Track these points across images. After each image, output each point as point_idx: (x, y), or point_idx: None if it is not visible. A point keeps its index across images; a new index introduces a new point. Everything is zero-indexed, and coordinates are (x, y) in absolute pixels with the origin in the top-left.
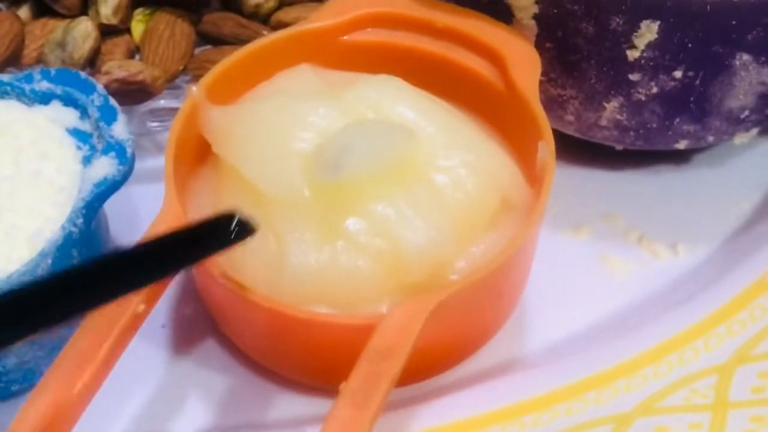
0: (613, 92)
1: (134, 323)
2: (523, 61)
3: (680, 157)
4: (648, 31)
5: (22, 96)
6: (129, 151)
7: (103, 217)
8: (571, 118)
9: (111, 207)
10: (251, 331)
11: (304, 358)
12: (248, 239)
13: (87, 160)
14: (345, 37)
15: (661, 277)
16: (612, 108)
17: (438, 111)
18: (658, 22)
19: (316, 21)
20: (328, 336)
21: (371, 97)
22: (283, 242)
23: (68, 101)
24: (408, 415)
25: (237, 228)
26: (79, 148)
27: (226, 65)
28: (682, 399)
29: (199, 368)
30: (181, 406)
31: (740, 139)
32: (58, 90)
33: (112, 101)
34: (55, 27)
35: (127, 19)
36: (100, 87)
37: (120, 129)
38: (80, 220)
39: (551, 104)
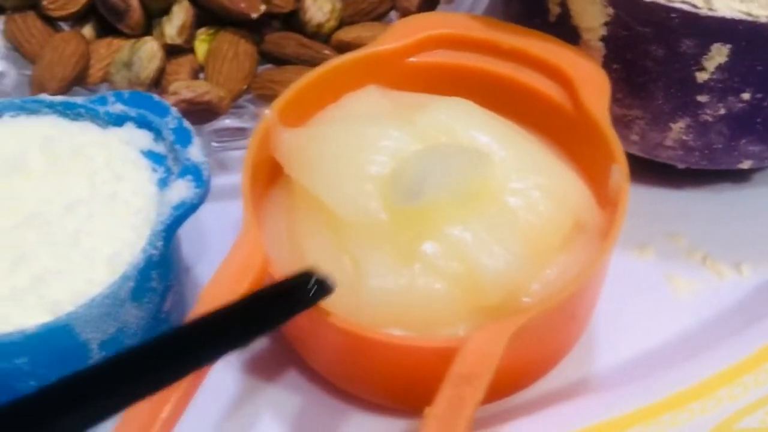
0: (680, 113)
1: None
2: (591, 83)
3: (740, 176)
4: (718, 54)
5: (96, 118)
6: (205, 173)
7: (176, 238)
8: (635, 137)
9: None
10: (328, 352)
11: (381, 379)
12: (327, 297)
13: (162, 183)
14: (411, 59)
15: (726, 296)
16: (678, 129)
17: (509, 133)
18: (729, 46)
19: (382, 43)
20: (407, 358)
21: (443, 120)
22: (361, 265)
23: (142, 123)
24: None
25: (316, 287)
26: (154, 170)
27: (297, 88)
28: (758, 421)
29: (273, 388)
30: (255, 426)
31: None
32: (132, 112)
33: (186, 123)
34: (120, 47)
35: (190, 39)
36: (173, 110)
37: (195, 151)
38: (160, 243)
39: (615, 124)
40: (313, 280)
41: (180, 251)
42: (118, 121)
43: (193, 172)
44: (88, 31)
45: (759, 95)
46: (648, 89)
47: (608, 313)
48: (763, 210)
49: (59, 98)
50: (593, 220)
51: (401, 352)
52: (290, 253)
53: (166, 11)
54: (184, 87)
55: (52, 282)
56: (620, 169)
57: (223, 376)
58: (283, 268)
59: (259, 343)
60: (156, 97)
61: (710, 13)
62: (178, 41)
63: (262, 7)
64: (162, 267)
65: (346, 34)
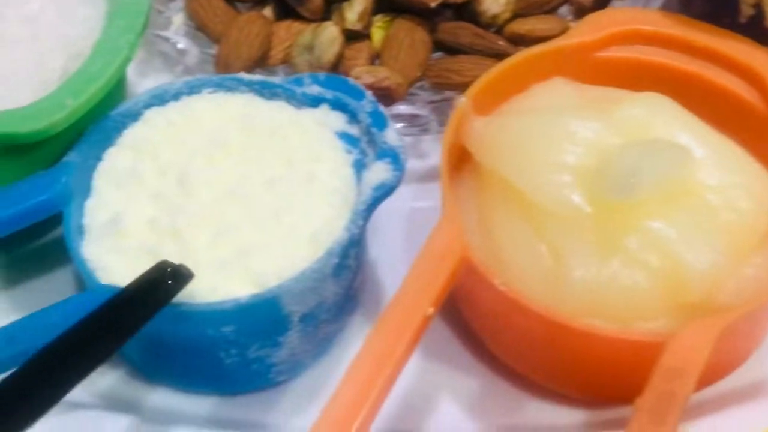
0: None
1: (424, 325)
2: None
3: None
4: None
5: (291, 99)
6: (402, 157)
7: None
8: None
9: None
10: (519, 339)
11: (574, 369)
12: (186, 285)
13: (358, 164)
14: (600, 53)
15: None
16: None
17: (706, 131)
18: None
19: (572, 36)
20: (609, 350)
21: (643, 115)
22: (562, 255)
23: (337, 105)
24: None
25: (173, 277)
26: (348, 152)
27: (489, 77)
28: None
29: (453, 372)
30: (434, 408)
31: None
32: (328, 94)
33: (382, 107)
34: (300, 30)
35: (368, 25)
36: (369, 93)
37: (392, 135)
38: (360, 222)
39: None
40: (169, 271)
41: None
42: (314, 102)
43: (391, 155)
44: (267, 13)
45: None
46: None
47: None
48: None
49: (257, 77)
50: None
51: (605, 344)
52: (481, 240)
53: None
54: (365, 72)
55: (256, 255)
56: None
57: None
58: (476, 254)
59: (440, 328)
60: (350, 80)
61: None
62: (358, 27)
63: None
64: (358, 246)
65: (520, 26)
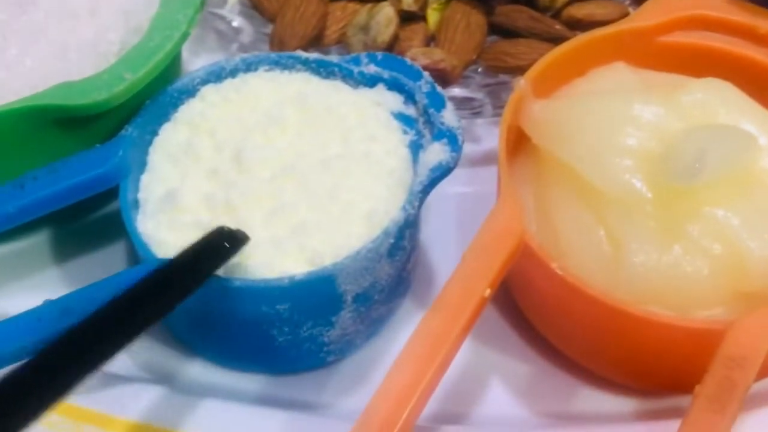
0: None
1: (481, 306)
2: None
3: None
4: None
5: (348, 78)
6: (460, 138)
7: None
8: None
9: None
10: (574, 324)
11: (630, 356)
12: (242, 248)
13: (414, 145)
14: (661, 38)
15: None
16: None
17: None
18: None
19: (635, 21)
20: (668, 338)
21: (707, 101)
22: (622, 240)
23: (393, 86)
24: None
25: (230, 240)
26: (404, 132)
27: (549, 60)
28: None
29: (503, 357)
30: (483, 392)
31: None
32: (385, 74)
33: (439, 88)
34: (356, 10)
35: (424, 7)
36: (426, 74)
37: (450, 116)
38: (416, 203)
39: None
40: (226, 234)
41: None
42: (371, 81)
43: (448, 136)
44: None
45: None
46: None
47: None
48: None
49: (314, 56)
50: None
51: (664, 331)
52: (538, 222)
53: None
54: (420, 53)
55: (311, 232)
56: None
57: None
58: (533, 237)
59: (491, 313)
60: (408, 60)
61: None
62: (414, 8)
63: None
64: (413, 227)
65: (578, 10)
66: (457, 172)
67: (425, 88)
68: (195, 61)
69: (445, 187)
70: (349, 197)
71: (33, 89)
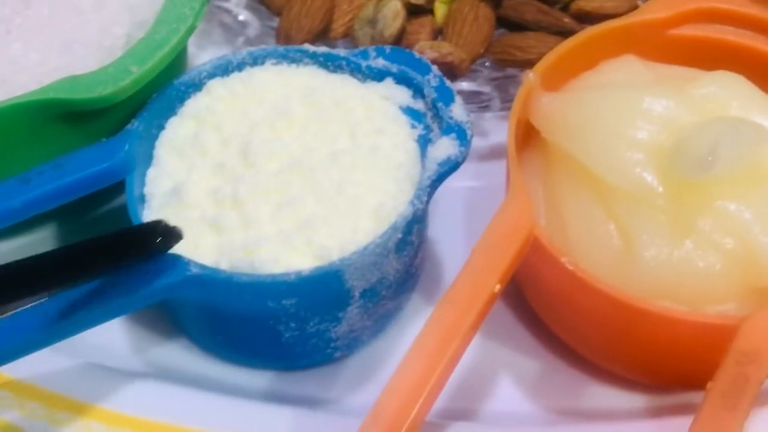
0: None
1: (491, 301)
2: None
3: None
4: None
5: (356, 72)
6: (469, 133)
7: None
8: None
9: None
10: (584, 319)
11: (640, 351)
12: (174, 245)
13: (422, 139)
14: (672, 31)
15: None
16: None
17: None
18: None
19: (645, 13)
20: (679, 333)
21: (717, 93)
22: (633, 235)
23: (401, 79)
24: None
25: (163, 234)
26: (413, 126)
27: (558, 53)
28: None
29: (513, 352)
30: (492, 388)
31: None
32: (394, 68)
33: (448, 82)
34: (362, 4)
35: (431, 0)
36: (435, 68)
37: (459, 110)
38: (425, 198)
39: None
40: (162, 228)
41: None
42: (378, 75)
43: (457, 130)
44: None
45: None
46: None
47: None
48: None
49: (322, 49)
50: None
51: (675, 326)
52: (547, 217)
53: None
54: (428, 47)
55: (319, 227)
56: None
57: None
58: (543, 232)
59: (501, 310)
60: (416, 54)
61: None
62: (421, 1)
63: None
64: (421, 222)
65: (587, 3)
66: (465, 167)
67: (434, 82)
68: (201, 55)
69: (452, 181)
70: (357, 192)
71: (38, 84)
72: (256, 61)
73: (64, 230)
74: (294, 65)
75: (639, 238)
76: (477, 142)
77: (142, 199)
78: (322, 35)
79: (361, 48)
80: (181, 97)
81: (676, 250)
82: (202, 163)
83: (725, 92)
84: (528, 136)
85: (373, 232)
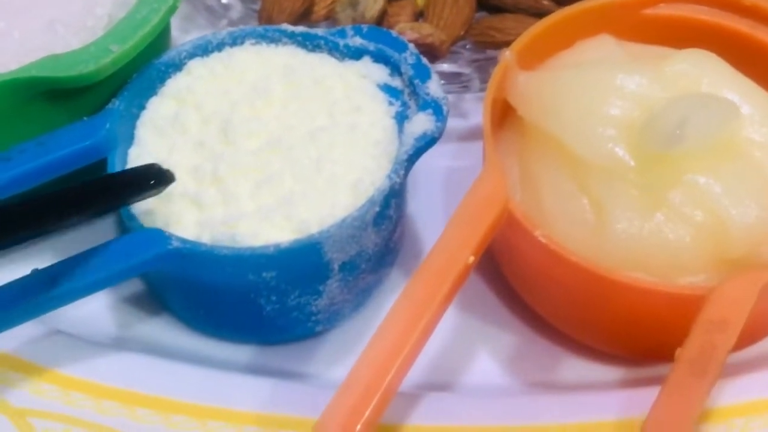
0: None
1: (465, 273)
2: None
3: None
4: None
5: (334, 51)
6: (445, 108)
7: None
8: None
9: None
10: (559, 292)
11: (613, 323)
12: (166, 187)
13: (400, 116)
14: (646, 11)
15: None
16: None
17: (753, 88)
18: None
19: None
20: (650, 303)
21: (691, 71)
22: (605, 208)
23: (379, 58)
24: None
25: (156, 177)
26: (390, 103)
27: (533, 32)
28: None
29: (490, 327)
30: (468, 362)
31: None
32: (371, 46)
33: (424, 60)
34: None
35: None
36: (411, 46)
37: (435, 86)
38: (402, 172)
39: None
40: (155, 170)
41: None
42: (356, 54)
43: (433, 106)
44: None
45: None
46: None
47: None
48: None
49: (300, 29)
50: None
51: (646, 297)
52: (523, 192)
53: None
54: (408, 28)
55: (298, 203)
56: None
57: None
58: (517, 206)
59: (477, 284)
60: (393, 33)
61: None
62: None
63: None
64: (399, 196)
65: None
66: (444, 147)
67: (410, 60)
68: (184, 38)
69: (432, 160)
70: (335, 168)
71: (20, 63)
72: (236, 41)
73: None
74: (273, 45)
75: (611, 211)
76: (456, 123)
77: None
78: (303, 17)
79: (339, 27)
80: (162, 77)
81: (647, 223)
82: (183, 141)
83: (697, 69)
84: (504, 114)
85: (351, 207)
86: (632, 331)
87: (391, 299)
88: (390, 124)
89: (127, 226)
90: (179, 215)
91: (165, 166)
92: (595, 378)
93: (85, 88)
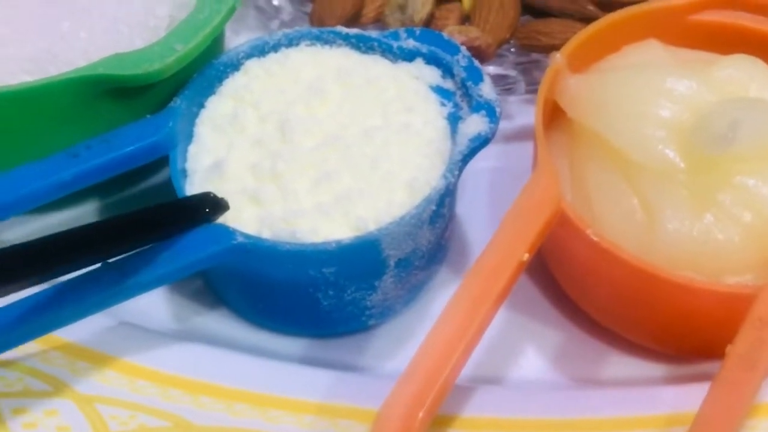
0: None
1: (519, 270)
2: None
3: None
4: None
5: (387, 52)
6: (498, 110)
7: None
8: None
9: None
10: (608, 290)
11: (662, 321)
12: (222, 215)
13: (452, 117)
14: (693, 16)
15: None
16: None
17: None
18: None
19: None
20: (700, 302)
21: (737, 75)
22: (655, 209)
23: (431, 60)
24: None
25: (211, 207)
26: (442, 104)
27: (583, 37)
28: None
29: (536, 324)
30: (517, 358)
31: None
32: (424, 49)
33: (476, 62)
34: None
35: None
36: (463, 48)
37: (487, 89)
38: (456, 172)
39: None
40: (210, 200)
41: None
42: (409, 56)
43: (487, 108)
44: None
45: None
46: None
47: None
48: None
49: (354, 31)
50: None
51: (697, 295)
52: (573, 193)
53: None
54: (456, 31)
55: (355, 200)
56: None
57: None
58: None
59: (526, 282)
60: (445, 35)
61: None
62: None
63: None
64: (452, 196)
65: None
66: (490, 148)
67: (463, 62)
68: (236, 39)
69: (478, 162)
70: (390, 166)
71: (87, 61)
72: (291, 42)
73: (110, 203)
74: (327, 46)
75: (662, 211)
76: (502, 124)
77: (183, 174)
78: (353, 20)
79: (392, 30)
80: (220, 77)
81: (697, 223)
82: (241, 139)
83: (744, 74)
84: (554, 115)
85: (406, 205)
86: (681, 329)
87: (441, 295)
88: (442, 124)
89: None
90: (239, 211)
91: (224, 162)
92: (642, 374)
93: (147, 87)
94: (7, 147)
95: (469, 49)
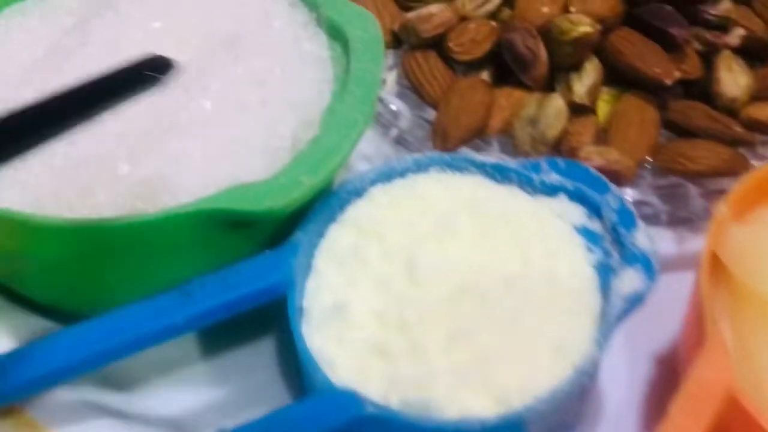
0: None
1: None
2: None
3: None
4: None
5: (525, 185)
6: (655, 264)
7: None
8: None
9: None
10: None
11: None
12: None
13: (603, 267)
14: None
15: None
16: None
17: None
18: None
19: None
20: None
21: None
22: None
23: (575, 197)
24: None
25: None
26: (589, 249)
27: (751, 182)
28: None
29: None
30: None
31: None
32: (569, 184)
33: (629, 204)
34: (522, 99)
35: (595, 99)
36: (614, 187)
37: (642, 237)
38: (609, 337)
39: None
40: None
41: None
42: (550, 190)
43: (643, 261)
44: (485, 76)
45: None
46: None
47: None
48: None
49: (490, 160)
50: None
51: None
52: (738, 367)
53: (574, 67)
54: (595, 153)
55: (495, 364)
56: None
57: None
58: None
59: None
60: (592, 170)
61: None
62: (586, 101)
63: (677, 74)
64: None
65: (760, 111)
66: None
67: (614, 204)
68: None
69: None
70: (533, 323)
71: (202, 187)
72: (420, 168)
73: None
74: (459, 173)
75: None
76: None
77: (300, 312)
78: (480, 132)
79: (532, 160)
80: (342, 204)
81: None
82: (364, 276)
83: None
84: (715, 270)
85: (554, 373)
86: None
87: None
88: (590, 274)
89: (308, 373)
90: (366, 366)
91: (346, 305)
92: None
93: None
94: (118, 278)
95: (608, 172)
